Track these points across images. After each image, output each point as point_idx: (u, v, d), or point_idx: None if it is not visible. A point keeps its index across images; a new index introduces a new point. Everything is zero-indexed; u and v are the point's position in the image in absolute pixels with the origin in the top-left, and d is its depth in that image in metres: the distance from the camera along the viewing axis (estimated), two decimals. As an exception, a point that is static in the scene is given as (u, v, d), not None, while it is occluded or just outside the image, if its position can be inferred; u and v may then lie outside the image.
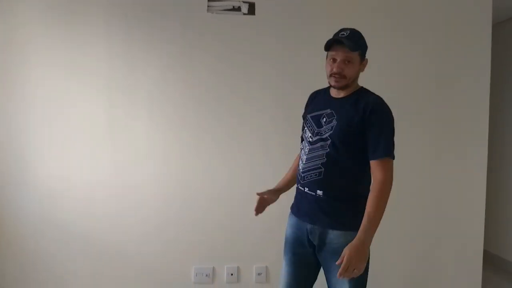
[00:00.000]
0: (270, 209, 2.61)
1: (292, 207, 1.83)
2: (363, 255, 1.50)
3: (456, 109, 2.74)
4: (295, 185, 1.82)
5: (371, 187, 1.60)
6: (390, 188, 1.60)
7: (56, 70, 2.57)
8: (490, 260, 3.64)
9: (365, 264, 1.52)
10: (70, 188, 2.59)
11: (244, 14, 2.62)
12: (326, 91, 1.82)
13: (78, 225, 2.60)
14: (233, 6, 2.61)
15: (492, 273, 3.45)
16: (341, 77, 1.64)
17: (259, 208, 1.94)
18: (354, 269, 1.48)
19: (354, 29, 1.67)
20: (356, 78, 1.70)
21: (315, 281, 1.80)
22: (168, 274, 2.64)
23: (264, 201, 1.93)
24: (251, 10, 2.62)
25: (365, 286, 1.69)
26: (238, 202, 2.62)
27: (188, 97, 2.63)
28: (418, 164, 2.73)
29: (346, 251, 1.49)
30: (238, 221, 2.63)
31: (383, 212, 1.57)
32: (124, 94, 2.60)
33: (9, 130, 2.56)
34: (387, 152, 1.59)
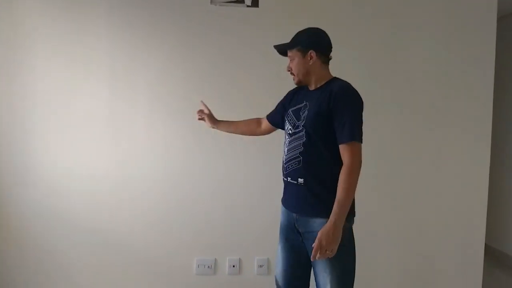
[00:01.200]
0: (271, 201, 2.63)
1: (282, 198, 1.93)
2: (334, 237, 1.58)
3: (459, 104, 2.72)
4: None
5: (340, 171, 1.65)
6: (358, 172, 1.64)
7: (58, 63, 2.56)
8: (492, 254, 3.65)
9: (337, 246, 1.59)
10: (73, 181, 2.60)
11: (248, 6, 2.60)
12: (306, 86, 1.91)
13: (81, 218, 2.61)
14: (237, -2, 2.60)
15: (494, 267, 3.46)
16: (293, 74, 1.83)
17: (200, 113, 2.24)
18: (326, 250, 1.58)
19: (300, 30, 1.84)
20: (309, 72, 1.79)
21: (310, 268, 1.82)
22: (170, 266, 2.66)
23: (204, 113, 2.23)
24: (255, 2, 2.61)
25: (352, 277, 1.74)
26: (240, 194, 2.63)
27: (189, 89, 2.62)
28: (421, 159, 2.72)
29: (318, 234, 1.59)
30: (240, 213, 2.64)
31: (352, 195, 1.64)
32: (125, 86, 2.60)
33: (11, 124, 2.56)
34: (352, 135, 1.62)
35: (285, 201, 1.90)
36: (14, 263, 2.60)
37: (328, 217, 1.62)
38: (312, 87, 1.83)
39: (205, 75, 2.62)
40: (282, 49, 1.86)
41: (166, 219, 2.65)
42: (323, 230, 1.59)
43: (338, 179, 1.65)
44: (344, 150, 1.65)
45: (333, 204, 1.62)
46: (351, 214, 1.70)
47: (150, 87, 2.61)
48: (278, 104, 2.06)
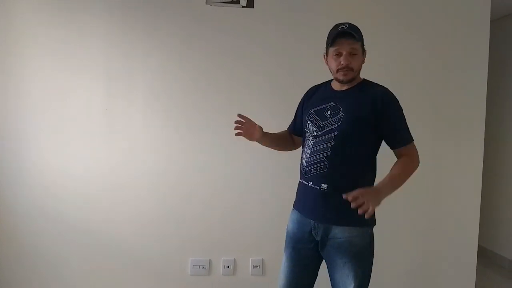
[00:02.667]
0: (267, 203, 2.64)
1: (296, 203, 1.82)
2: (376, 198, 1.49)
3: (453, 105, 2.74)
4: (299, 181, 1.81)
5: (399, 159, 1.66)
6: (417, 166, 1.68)
7: (54, 61, 2.55)
8: (485, 255, 3.67)
9: (375, 207, 1.47)
10: (68, 180, 2.58)
11: (243, 6, 2.61)
12: (326, 85, 1.83)
13: (75, 218, 2.60)
14: (232, -1, 2.60)
15: (486, 268, 3.48)
16: (349, 70, 1.65)
17: (239, 128, 1.83)
18: (363, 202, 1.44)
19: (349, 22, 1.68)
20: (360, 70, 1.72)
21: (315, 277, 1.80)
22: (164, 266, 2.65)
23: (246, 124, 1.83)
24: (250, 3, 2.61)
25: (369, 280, 1.71)
26: (235, 195, 2.62)
27: (186, 89, 2.62)
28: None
29: (360, 190, 1.47)
30: (235, 214, 2.64)
31: (404, 180, 1.63)
32: (122, 85, 2.59)
33: (5, 122, 2.54)
34: (411, 137, 1.69)
35: (302, 206, 1.75)
36: (7, 263, 2.58)
37: (350, 225, 1.62)
38: (343, 87, 1.71)
39: (201, 74, 2.62)
40: (347, 34, 1.63)
41: (161, 219, 2.64)
42: (367, 188, 1.51)
43: (368, 184, 1.65)
44: (405, 151, 1.67)
45: (356, 212, 1.46)
46: (373, 221, 1.70)
47: (147, 87, 2.60)
48: (297, 112, 1.94)
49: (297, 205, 1.80)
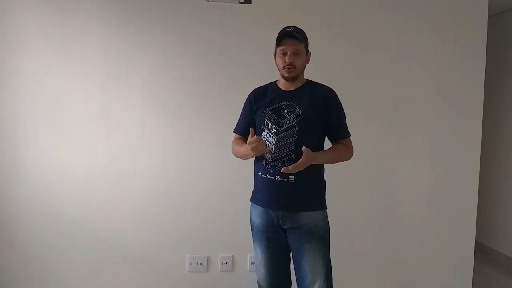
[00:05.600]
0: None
1: (258, 199, 1.92)
2: (312, 160, 1.78)
3: (450, 103, 2.74)
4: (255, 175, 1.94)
5: (338, 144, 1.92)
6: (350, 157, 1.94)
7: (50, 59, 2.54)
8: (482, 251, 3.69)
9: (307, 164, 1.76)
10: (65, 178, 2.58)
11: (240, 2, 2.60)
12: (272, 86, 1.96)
13: (73, 215, 2.59)
14: (230, -5, 2.59)
15: (484, 264, 3.49)
16: (293, 68, 1.82)
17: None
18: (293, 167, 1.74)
19: (296, 26, 1.86)
20: (303, 69, 1.90)
21: (290, 262, 1.93)
22: (162, 263, 2.65)
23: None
24: (248, -1, 2.60)
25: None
26: (233, 191, 2.62)
27: (183, 87, 2.62)
28: (412, 156, 2.74)
29: (309, 154, 1.76)
30: (233, 210, 2.63)
31: (335, 160, 1.90)
32: (118, 83, 2.58)
33: (3, 121, 2.54)
34: (349, 133, 1.93)
35: (267, 201, 1.86)
36: (5, 262, 2.57)
37: (315, 209, 1.85)
38: (291, 88, 1.89)
39: (199, 71, 2.61)
40: (292, 36, 1.80)
41: (158, 216, 2.64)
42: (312, 154, 1.76)
43: (322, 175, 1.92)
44: (345, 143, 1.92)
45: (320, 198, 1.89)
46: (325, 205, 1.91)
47: (144, 85, 2.60)
48: (242, 113, 2.04)
49: (261, 201, 1.90)
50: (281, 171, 1.77)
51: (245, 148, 1.87)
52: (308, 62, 1.91)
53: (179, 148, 2.63)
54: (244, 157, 1.96)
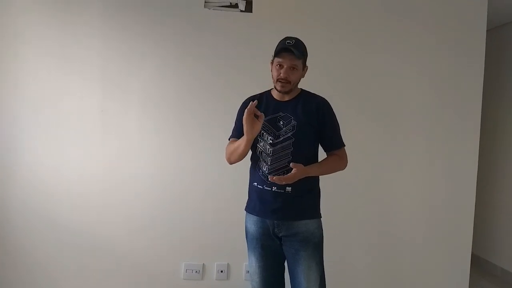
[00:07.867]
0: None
1: (250, 207, 1.92)
2: (303, 174, 1.75)
3: (449, 113, 2.75)
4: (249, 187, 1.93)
5: (332, 155, 1.89)
6: (344, 167, 1.92)
7: (50, 62, 2.54)
8: (478, 264, 3.68)
9: (296, 179, 1.73)
10: (62, 181, 2.57)
11: (241, 11, 2.61)
12: (267, 95, 1.94)
13: (68, 219, 2.58)
14: (230, 3, 2.61)
15: (479, 276, 3.48)
16: (287, 82, 1.80)
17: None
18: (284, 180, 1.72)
19: (298, 38, 1.83)
20: (298, 82, 1.87)
21: (284, 273, 1.93)
22: (157, 270, 2.63)
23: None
24: (249, 7, 2.62)
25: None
26: (229, 198, 2.61)
27: (182, 93, 2.62)
28: (409, 166, 2.74)
29: (300, 169, 1.72)
30: (229, 218, 2.62)
31: (328, 172, 1.88)
32: (118, 87, 2.58)
33: (0, 122, 2.52)
34: (343, 143, 1.91)
35: (259, 210, 1.86)
36: (-3, 264, 2.55)
37: (311, 218, 1.85)
38: (285, 98, 1.87)
39: (198, 78, 2.62)
40: (290, 51, 1.75)
41: (154, 223, 2.62)
42: (302, 169, 1.73)
43: (317, 184, 1.91)
44: (339, 153, 1.89)
45: (316, 207, 1.89)
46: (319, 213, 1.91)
47: (143, 89, 2.60)
48: (237, 121, 1.94)
49: (257, 211, 1.88)
50: (269, 179, 1.74)
51: (239, 140, 1.82)
52: (303, 76, 1.88)
53: (176, 154, 2.63)
54: (237, 149, 1.85)
